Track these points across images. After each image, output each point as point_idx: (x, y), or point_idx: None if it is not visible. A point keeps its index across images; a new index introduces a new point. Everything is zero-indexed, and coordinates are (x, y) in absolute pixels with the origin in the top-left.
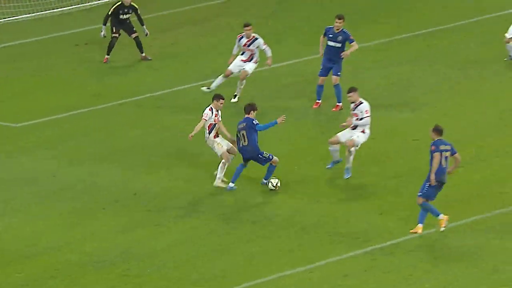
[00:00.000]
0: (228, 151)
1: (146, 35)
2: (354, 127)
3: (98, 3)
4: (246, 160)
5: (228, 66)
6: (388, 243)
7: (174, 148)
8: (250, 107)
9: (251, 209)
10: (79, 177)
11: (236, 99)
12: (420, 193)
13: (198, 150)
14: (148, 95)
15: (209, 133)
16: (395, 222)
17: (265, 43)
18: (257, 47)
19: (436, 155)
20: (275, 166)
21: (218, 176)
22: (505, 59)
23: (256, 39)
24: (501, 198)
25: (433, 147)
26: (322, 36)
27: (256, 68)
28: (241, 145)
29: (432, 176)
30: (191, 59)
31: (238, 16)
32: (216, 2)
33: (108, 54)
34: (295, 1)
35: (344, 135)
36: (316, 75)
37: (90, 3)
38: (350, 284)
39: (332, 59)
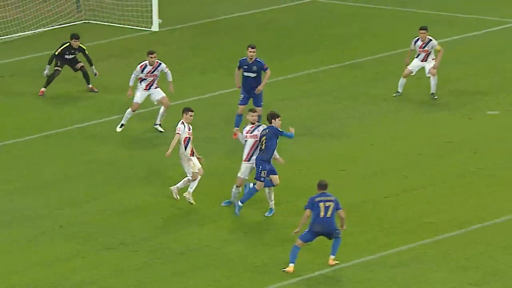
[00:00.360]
0: (194, 174)
1: (95, 75)
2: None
3: (23, 34)
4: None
5: (134, 99)
6: (316, 273)
7: (101, 180)
8: (271, 116)
9: (180, 240)
10: (4, 209)
11: (161, 129)
12: (300, 236)
13: (126, 180)
14: (75, 126)
15: (185, 148)
16: (322, 254)
17: (167, 67)
18: (161, 71)
19: (306, 211)
20: (257, 191)
21: (177, 185)
22: (393, 94)
23: (160, 64)
24: (426, 228)
25: (306, 203)
26: (237, 69)
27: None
28: (258, 151)
29: (298, 228)
30: (120, 90)
31: (167, 47)
32: (144, 33)
33: (45, 87)
34: (222, 33)
35: (244, 173)
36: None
37: (15, 35)
38: None
39: (251, 90)
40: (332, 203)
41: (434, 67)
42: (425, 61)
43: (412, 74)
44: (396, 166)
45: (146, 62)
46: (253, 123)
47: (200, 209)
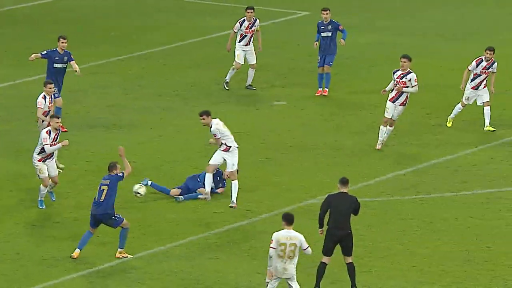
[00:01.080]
0: None
1: None
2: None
3: None
4: None
5: None
6: (106, 265)
7: None
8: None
9: None
10: None
11: None
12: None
13: None
14: None
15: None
16: (114, 245)
17: None
18: None
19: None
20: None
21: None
22: (247, 86)
23: None
24: (216, 218)
25: None
26: (38, 55)
27: None
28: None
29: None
30: None
31: None
32: None
33: None
34: (8, 21)
35: (53, 172)
36: (27, 97)
37: None
38: None
39: (60, 80)
40: (106, 186)
41: (259, 48)
42: (248, 45)
43: (242, 63)
44: (186, 157)
45: None
46: (57, 129)
47: None
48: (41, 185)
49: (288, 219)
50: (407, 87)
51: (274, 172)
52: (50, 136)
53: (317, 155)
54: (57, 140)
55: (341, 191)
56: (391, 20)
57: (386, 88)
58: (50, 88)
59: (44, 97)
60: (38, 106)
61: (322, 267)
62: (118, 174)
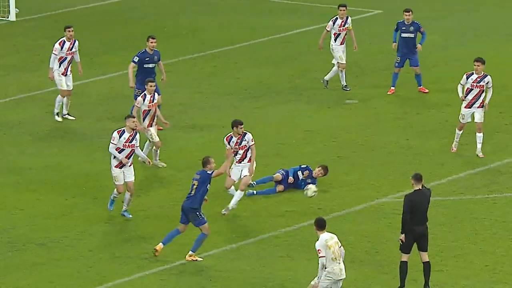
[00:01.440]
0: (155, 143)
1: None
2: None
3: None
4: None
5: (58, 86)
6: (177, 263)
7: None
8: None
9: (39, 231)
10: None
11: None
12: None
13: None
14: None
15: (143, 119)
16: (182, 243)
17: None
18: (76, 48)
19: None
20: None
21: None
22: (325, 86)
23: (75, 40)
24: (287, 216)
25: None
26: (132, 63)
27: None
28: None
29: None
30: None
31: (25, 37)
32: (1, 23)
33: None
34: (79, 20)
35: (129, 177)
36: (99, 95)
37: None
38: None
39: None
40: (196, 181)
41: (354, 47)
42: (342, 44)
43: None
44: (258, 155)
45: (64, 38)
46: (133, 129)
47: (57, 201)
48: (115, 189)
49: (322, 225)
50: (484, 90)
51: (345, 170)
52: (122, 136)
53: (388, 154)
54: (132, 141)
55: (416, 188)
56: (391, 20)
57: (460, 94)
58: (152, 86)
59: (144, 96)
60: (136, 105)
61: (404, 265)
62: (208, 172)
